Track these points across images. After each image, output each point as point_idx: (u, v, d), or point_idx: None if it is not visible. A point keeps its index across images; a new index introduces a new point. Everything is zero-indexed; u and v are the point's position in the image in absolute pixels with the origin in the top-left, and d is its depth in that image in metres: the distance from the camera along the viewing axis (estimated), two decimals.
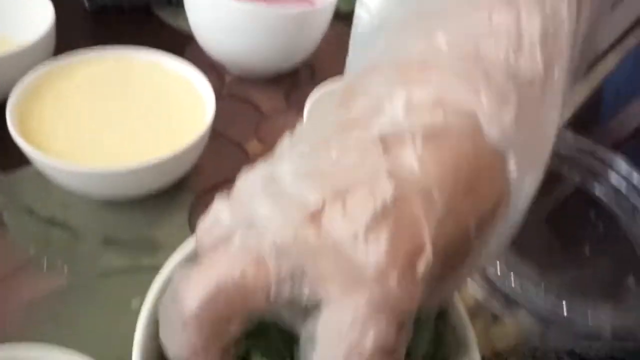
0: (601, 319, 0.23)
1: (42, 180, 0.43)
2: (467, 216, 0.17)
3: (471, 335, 0.25)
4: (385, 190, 0.16)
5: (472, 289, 0.27)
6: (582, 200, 0.33)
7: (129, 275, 0.39)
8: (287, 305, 0.17)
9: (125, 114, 0.42)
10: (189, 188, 0.46)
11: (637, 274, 0.29)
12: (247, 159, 0.50)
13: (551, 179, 0.35)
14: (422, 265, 0.16)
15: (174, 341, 0.19)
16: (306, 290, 0.17)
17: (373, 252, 0.16)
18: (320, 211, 0.17)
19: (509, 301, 0.27)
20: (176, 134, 0.41)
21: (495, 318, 0.36)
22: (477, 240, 0.18)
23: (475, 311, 0.36)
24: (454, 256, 0.17)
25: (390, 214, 0.16)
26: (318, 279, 0.17)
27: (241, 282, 0.17)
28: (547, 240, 0.38)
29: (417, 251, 0.16)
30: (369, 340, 0.16)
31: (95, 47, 0.46)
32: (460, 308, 0.26)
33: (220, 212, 0.20)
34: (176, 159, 0.38)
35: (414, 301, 0.17)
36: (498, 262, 0.25)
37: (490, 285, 0.26)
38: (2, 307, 0.36)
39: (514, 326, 0.35)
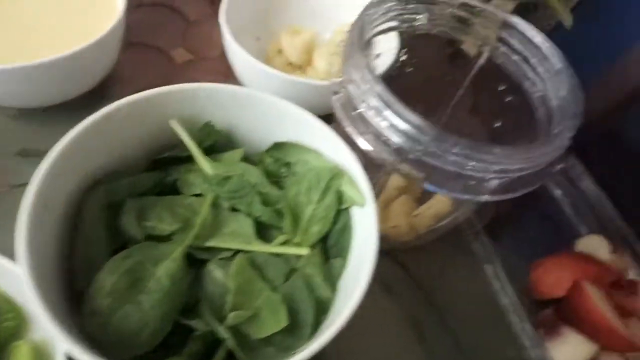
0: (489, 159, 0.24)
1: None
2: None
3: None
4: None
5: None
6: (492, 72, 0.33)
7: None
8: None
9: (28, 14, 0.40)
10: (111, 96, 0.44)
11: (532, 135, 0.30)
12: (173, 66, 0.49)
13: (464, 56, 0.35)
14: None
15: None
16: None
17: None
18: None
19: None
20: (84, 35, 0.39)
21: (416, 200, 0.37)
22: None
23: (399, 194, 0.37)
24: None
25: None
26: None
27: None
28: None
29: None
30: None
31: None
32: None
33: None
34: (81, 56, 0.36)
35: None
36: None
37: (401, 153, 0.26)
38: None
39: (431, 210, 0.36)
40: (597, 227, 0.42)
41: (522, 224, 0.45)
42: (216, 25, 0.41)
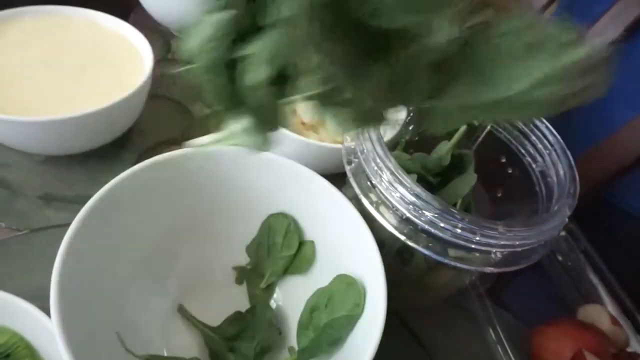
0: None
1: None
2: None
3: None
4: None
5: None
6: (495, 145, 0.35)
7: (65, 230, 0.40)
8: None
9: (62, 70, 0.42)
10: (132, 147, 0.47)
11: (532, 207, 0.31)
12: (192, 120, 0.51)
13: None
14: None
15: None
16: None
17: None
18: None
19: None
20: (114, 90, 0.41)
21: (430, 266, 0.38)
22: None
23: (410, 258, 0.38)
24: None
25: None
26: None
27: None
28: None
29: None
30: None
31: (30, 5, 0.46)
32: None
33: None
34: (110, 110, 0.38)
35: None
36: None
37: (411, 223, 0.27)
38: None
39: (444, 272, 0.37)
40: (597, 296, 0.42)
41: (524, 288, 0.46)
42: None
